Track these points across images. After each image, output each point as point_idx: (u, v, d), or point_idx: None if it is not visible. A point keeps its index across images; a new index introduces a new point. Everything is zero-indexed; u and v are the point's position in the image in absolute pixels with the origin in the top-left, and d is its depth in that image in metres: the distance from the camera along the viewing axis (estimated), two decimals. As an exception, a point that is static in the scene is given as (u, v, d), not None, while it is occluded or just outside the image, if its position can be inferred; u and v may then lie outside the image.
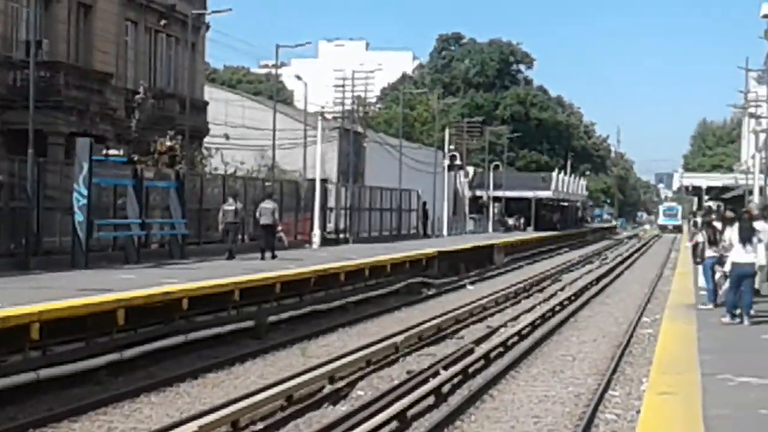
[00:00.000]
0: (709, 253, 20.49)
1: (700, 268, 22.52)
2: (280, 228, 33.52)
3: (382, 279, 32.24)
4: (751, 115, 64.96)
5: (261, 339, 21.83)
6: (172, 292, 20.08)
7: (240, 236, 34.48)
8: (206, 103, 47.97)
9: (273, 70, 64.20)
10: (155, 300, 19.34)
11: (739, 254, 18.20)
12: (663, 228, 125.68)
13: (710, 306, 20.09)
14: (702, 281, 22.25)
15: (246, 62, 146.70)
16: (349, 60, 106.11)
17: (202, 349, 19.91)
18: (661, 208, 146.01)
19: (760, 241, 18.60)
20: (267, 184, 40.93)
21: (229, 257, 30.53)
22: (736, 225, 18.71)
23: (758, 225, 19.95)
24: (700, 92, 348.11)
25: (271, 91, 56.92)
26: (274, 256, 31.24)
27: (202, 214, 35.31)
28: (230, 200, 31.77)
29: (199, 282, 21.92)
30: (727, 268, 19.03)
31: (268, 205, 32.26)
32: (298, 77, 56.22)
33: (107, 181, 29.26)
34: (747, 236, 18.23)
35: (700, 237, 21.27)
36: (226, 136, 50.89)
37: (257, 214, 32.49)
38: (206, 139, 47.40)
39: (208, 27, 47.87)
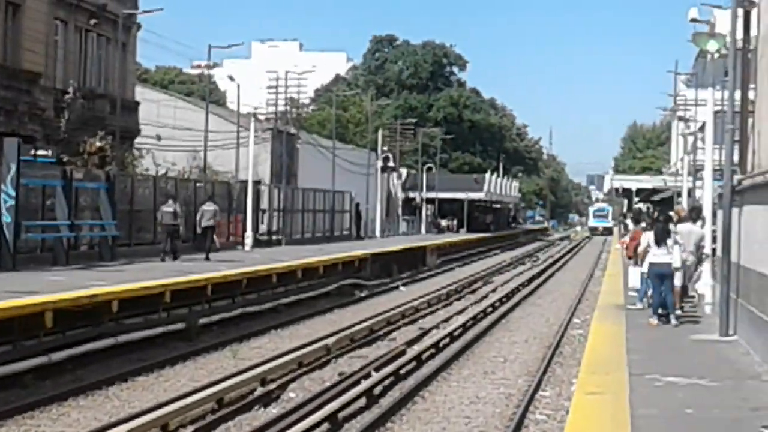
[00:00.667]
0: (656, 258, 18.98)
1: (632, 269, 22.80)
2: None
3: (314, 281, 32.17)
4: (680, 118, 65.82)
5: (192, 341, 21.67)
6: (100, 295, 19.85)
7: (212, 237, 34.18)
8: (137, 104, 47.46)
9: (205, 71, 63.86)
10: (83, 302, 19.11)
11: (655, 255, 18.54)
12: (593, 230, 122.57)
13: (639, 306, 20.31)
14: (634, 282, 22.44)
15: (178, 63, 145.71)
16: (282, 61, 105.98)
17: (132, 351, 19.71)
18: (590, 209, 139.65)
19: (676, 242, 18.90)
20: (199, 185, 40.69)
21: (171, 258, 30.78)
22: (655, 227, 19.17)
23: (686, 227, 20.28)
24: (631, 95, 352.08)
25: (203, 92, 56.59)
26: (207, 258, 31.60)
27: (133, 215, 34.94)
28: (169, 201, 31.87)
29: (129, 284, 21.71)
30: (645, 269, 19.38)
31: (209, 207, 33.19)
32: (231, 78, 55.85)
33: (36, 182, 28.84)
34: (662, 237, 18.59)
35: (646, 237, 19.67)
36: (158, 137, 50.44)
37: (198, 216, 33.20)
38: (137, 140, 46.88)
39: (139, 27, 47.36)
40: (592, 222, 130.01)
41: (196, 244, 34.76)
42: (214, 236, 34.59)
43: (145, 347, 20.21)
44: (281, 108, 63.60)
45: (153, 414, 13.29)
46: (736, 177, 16.77)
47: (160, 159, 47.95)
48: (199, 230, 33.53)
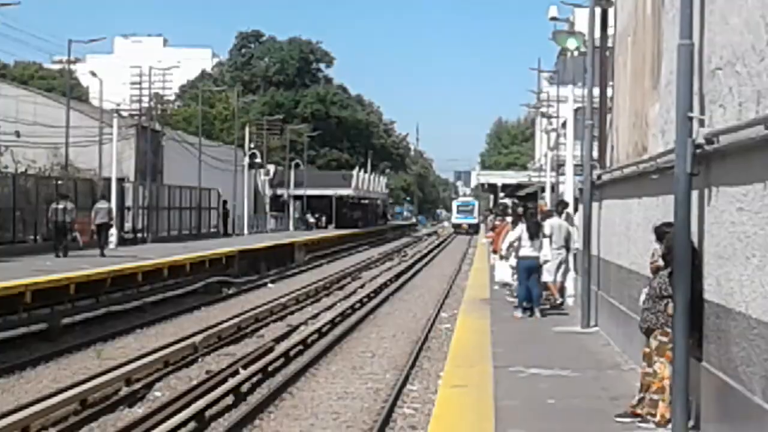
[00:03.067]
0: (527, 251, 18.96)
1: (498, 263, 22.98)
2: (76, 227, 34.63)
3: (181, 279, 31.83)
4: (543, 115, 67.09)
5: (54, 342, 21.22)
6: (-42, 296, 19.29)
7: (73, 235, 34.70)
8: (-5, 99, 46.20)
9: (66, 66, 62.37)
10: (-60, 304, 18.53)
11: (525, 249, 18.87)
12: (457, 227, 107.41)
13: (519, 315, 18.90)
14: (501, 275, 22.55)
15: (38, 57, 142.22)
16: (146, 56, 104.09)
17: (-8, 353, 19.21)
18: (454, 203, 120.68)
19: (545, 236, 19.29)
20: (60, 182, 39.83)
21: (57, 255, 31.69)
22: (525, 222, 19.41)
23: (554, 221, 20.65)
24: (497, 92, 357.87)
25: (64, 88, 55.33)
26: (102, 254, 32.64)
27: (-9, 214, 34.03)
28: (59, 200, 33.19)
29: (-12, 284, 21.12)
30: (513, 262, 19.71)
31: (103, 205, 35.02)
32: (93, 74, 54.70)
33: None
34: (535, 231, 18.94)
35: (517, 232, 19.47)
36: (17, 134, 49.17)
37: (92, 213, 34.63)
38: (-5, 137, 45.63)
39: (-4, 20, 46.07)
40: (455, 218, 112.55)
41: (54, 243, 34.24)
42: (77, 234, 35.11)
43: (5, 349, 19.70)
44: (145, 104, 62.55)
45: (13, 417, 12.97)
46: (596, 172, 17.18)
47: (20, 156, 46.73)
48: (93, 227, 34.93)
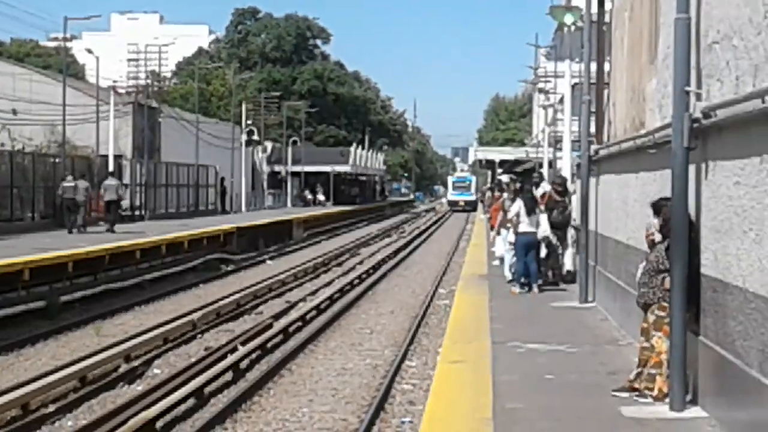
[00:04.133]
0: (525, 227, 18.78)
1: (499, 238, 22.82)
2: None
3: (179, 256, 31.87)
4: (541, 90, 67.01)
5: (53, 319, 21.26)
6: (-44, 274, 19.31)
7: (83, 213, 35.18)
8: (-9, 77, 46.12)
9: (63, 43, 62.22)
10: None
11: (524, 224, 18.84)
12: (453, 204, 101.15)
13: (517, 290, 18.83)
14: (500, 251, 22.41)
15: (34, 35, 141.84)
16: (142, 34, 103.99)
17: (-10, 331, 19.24)
18: (450, 179, 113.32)
19: (542, 211, 19.26)
20: (57, 160, 39.84)
21: (70, 231, 32.66)
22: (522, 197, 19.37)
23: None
24: (494, 68, 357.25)
25: (61, 65, 55.19)
26: (113, 231, 33.62)
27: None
28: (69, 177, 34.25)
29: (-14, 262, 21.15)
30: (512, 238, 19.66)
31: (111, 182, 35.98)
32: (89, 51, 54.62)
33: None
34: (531, 207, 18.91)
35: (515, 207, 19.17)
36: (14, 112, 49.09)
37: (102, 190, 35.97)
38: (-8, 115, 45.58)
39: (-8, -2, 45.93)
40: (451, 195, 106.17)
41: (57, 219, 34.73)
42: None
43: (4, 326, 19.75)
44: (142, 81, 62.45)
45: (13, 394, 13.02)
46: (593, 147, 17.16)
47: (17, 134, 46.67)
48: (101, 204, 36.93)
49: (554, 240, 19.45)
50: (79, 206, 33.96)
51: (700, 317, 8.88)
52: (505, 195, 22.78)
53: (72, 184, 33.58)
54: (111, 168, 41.91)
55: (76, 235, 31.36)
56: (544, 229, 18.99)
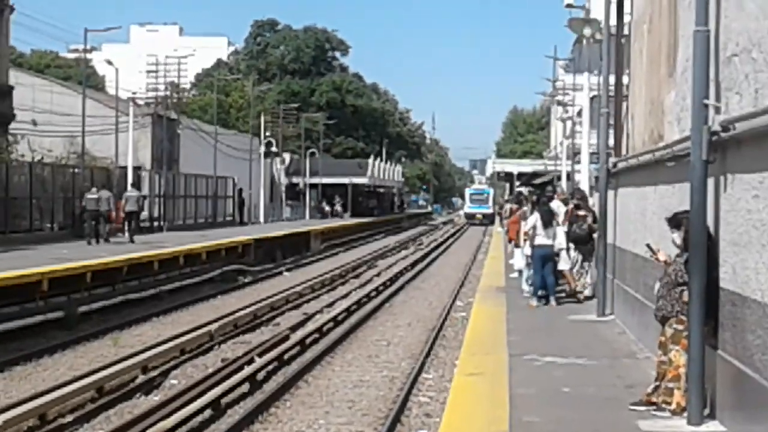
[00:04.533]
0: (541, 240, 18.79)
1: (517, 250, 22.61)
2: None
3: (197, 267, 31.93)
4: (559, 103, 66.89)
5: (71, 330, 21.32)
6: (-25, 284, 19.37)
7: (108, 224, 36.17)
8: (11, 88, 46.23)
9: (83, 55, 62.50)
10: (-43, 292, 18.62)
11: (540, 237, 18.80)
12: (470, 217, 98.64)
13: (535, 303, 18.84)
14: (519, 264, 22.17)
15: (54, 46, 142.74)
16: (162, 45, 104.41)
17: (9, 341, 19.31)
18: (467, 191, 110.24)
19: (558, 224, 19.23)
20: (77, 171, 40.02)
21: (96, 242, 33.32)
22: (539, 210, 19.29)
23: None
24: (512, 80, 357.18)
25: (81, 77, 55.44)
26: (132, 241, 34.44)
27: (9, 202, 34.19)
28: (93, 189, 34.95)
29: (4, 272, 21.21)
30: (528, 251, 19.60)
31: (132, 193, 36.74)
32: (109, 62, 54.83)
33: None
34: (548, 219, 18.86)
35: (531, 220, 19.26)
36: (34, 122, 49.32)
37: (123, 201, 36.53)
38: (12, 126, 45.71)
39: (12, 9, 46.10)
40: (468, 207, 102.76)
41: (75, 230, 35.08)
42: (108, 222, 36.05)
43: (23, 336, 19.80)
44: (161, 93, 62.66)
45: (30, 404, 13.05)
46: (612, 160, 17.13)
47: (36, 145, 46.87)
48: (122, 215, 37.17)
49: (575, 255, 19.39)
50: (103, 217, 34.53)
51: (718, 331, 8.84)
52: (525, 207, 22.68)
53: (95, 196, 34.12)
54: (130, 179, 42.03)
55: (95, 246, 31.50)
56: (560, 242, 18.98)
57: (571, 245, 19.30)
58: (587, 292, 19.25)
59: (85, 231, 34.19)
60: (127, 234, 35.99)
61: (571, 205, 19.89)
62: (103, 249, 30.25)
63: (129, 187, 38.28)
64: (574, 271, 19.47)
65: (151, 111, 57.24)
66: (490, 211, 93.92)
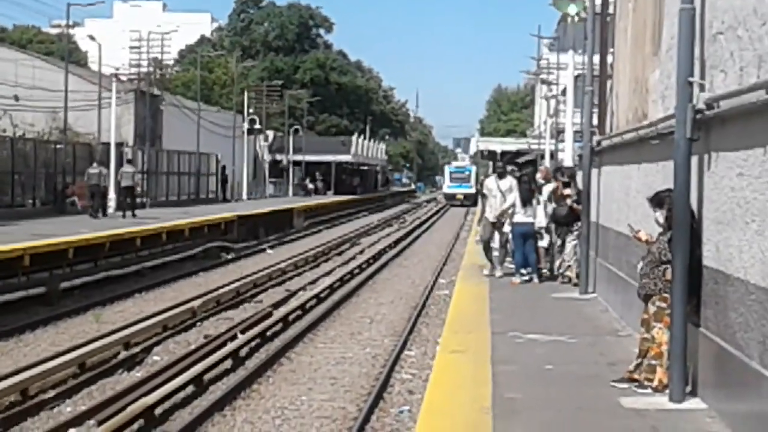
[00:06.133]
0: (520, 218, 18.75)
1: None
2: (75, 191, 37.34)
3: (180, 243, 31.83)
4: (543, 82, 67.00)
5: (53, 306, 21.26)
6: (-44, 259, 19.28)
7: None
8: (-7, 63, 46.09)
9: (65, 30, 62.15)
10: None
11: (518, 215, 18.80)
12: (450, 198, 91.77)
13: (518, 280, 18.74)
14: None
15: (37, 21, 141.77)
16: (145, 21, 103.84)
17: (-10, 317, 19.24)
18: (446, 168, 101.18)
19: (538, 202, 19.19)
20: (59, 147, 39.85)
21: (98, 215, 34.32)
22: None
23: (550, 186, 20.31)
24: (496, 59, 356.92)
25: (63, 52, 55.13)
26: (134, 215, 35.31)
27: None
28: (94, 164, 35.76)
29: (-14, 248, 21.12)
30: (507, 229, 19.54)
31: (128, 169, 37.53)
32: (92, 38, 54.48)
33: None
34: (527, 197, 18.85)
35: (511, 198, 19.08)
36: (16, 98, 49.07)
37: (118, 177, 37.60)
38: (-6, 101, 45.57)
39: (-5, -17, 45.86)
40: (448, 187, 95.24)
41: (56, 206, 35.12)
42: (75, 198, 37.60)
43: (4, 312, 19.73)
44: (144, 69, 62.37)
45: (12, 379, 13.01)
46: (595, 138, 17.12)
47: (18, 120, 46.64)
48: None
49: (552, 236, 19.21)
50: (103, 192, 35.66)
51: (700, 309, 8.86)
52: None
53: (97, 170, 35.00)
54: (113, 155, 41.86)
55: (79, 221, 31.35)
56: (539, 221, 18.97)
57: (552, 225, 19.14)
58: (571, 273, 18.37)
59: (93, 205, 35.08)
60: (119, 210, 37.01)
61: (558, 184, 18.98)
62: (96, 224, 30.75)
63: (125, 164, 39.01)
64: (556, 252, 19.20)
65: (134, 87, 56.99)
66: (473, 191, 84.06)
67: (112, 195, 38.82)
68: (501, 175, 19.89)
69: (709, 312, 8.62)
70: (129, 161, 39.90)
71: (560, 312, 15.20)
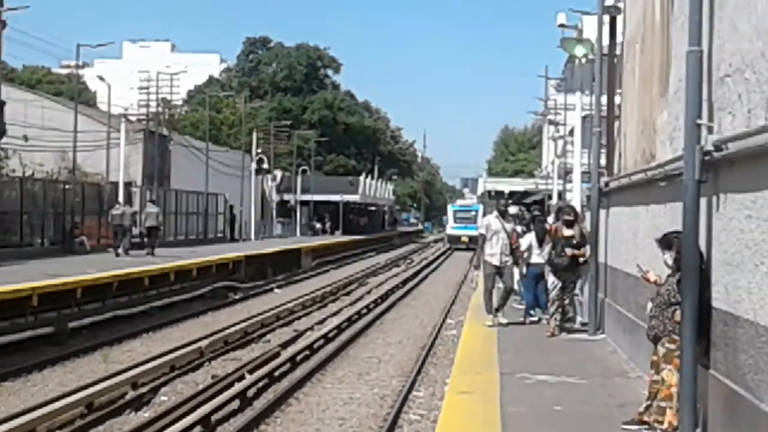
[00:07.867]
0: (536, 258, 18.53)
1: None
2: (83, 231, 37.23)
3: (187, 283, 31.85)
4: (551, 122, 67.16)
5: (61, 345, 21.24)
6: (-35, 299, 19.30)
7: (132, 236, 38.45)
8: (3, 103, 46.12)
9: (74, 70, 62.52)
10: (-53, 307, 18.54)
11: (534, 256, 18.74)
12: (454, 240, 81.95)
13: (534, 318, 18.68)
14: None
15: (46, 62, 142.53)
16: (154, 61, 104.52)
17: (-2, 357, 19.22)
18: (450, 208, 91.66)
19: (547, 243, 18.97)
20: (68, 187, 39.98)
21: (123, 253, 35.14)
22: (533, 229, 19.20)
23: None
24: (504, 99, 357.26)
25: (72, 92, 55.43)
26: (153, 254, 35.88)
27: (-1, 217, 34.18)
28: (117, 205, 37.38)
29: (-5, 287, 21.14)
30: (524, 270, 19.33)
31: (152, 209, 38.24)
32: (101, 78, 54.84)
33: None
34: (542, 238, 18.79)
35: (527, 240, 18.87)
36: (25, 138, 49.27)
37: (143, 217, 38.86)
38: (3, 141, 45.63)
39: (4, 24, 46.06)
40: (452, 228, 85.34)
41: (64, 246, 35.28)
42: (84, 238, 37.93)
43: (12, 352, 19.73)
44: (153, 109, 62.69)
45: (19, 420, 12.99)
46: (603, 179, 17.13)
47: (27, 160, 46.82)
48: (143, 230, 39.45)
49: (555, 281, 17.15)
50: (126, 231, 36.46)
51: (710, 350, 8.83)
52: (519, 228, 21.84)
53: (120, 211, 36.33)
54: (121, 195, 42.07)
55: (87, 261, 31.38)
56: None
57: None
58: (576, 323, 17.58)
59: (116, 244, 36.10)
60: (142, 248, 37.84)
61: (554, 225, 17.98)
62: (128, 261, 31.82)
63: (148, 204, 40.07)
64: (551, 296, 17.26)
65: (143, 127, 57.26)
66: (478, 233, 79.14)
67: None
68: (503, 214, 18.48)
69: (719, 354, 8.59)
70: (152, 201, 40.58)
71: (569, 353, 15.15)
